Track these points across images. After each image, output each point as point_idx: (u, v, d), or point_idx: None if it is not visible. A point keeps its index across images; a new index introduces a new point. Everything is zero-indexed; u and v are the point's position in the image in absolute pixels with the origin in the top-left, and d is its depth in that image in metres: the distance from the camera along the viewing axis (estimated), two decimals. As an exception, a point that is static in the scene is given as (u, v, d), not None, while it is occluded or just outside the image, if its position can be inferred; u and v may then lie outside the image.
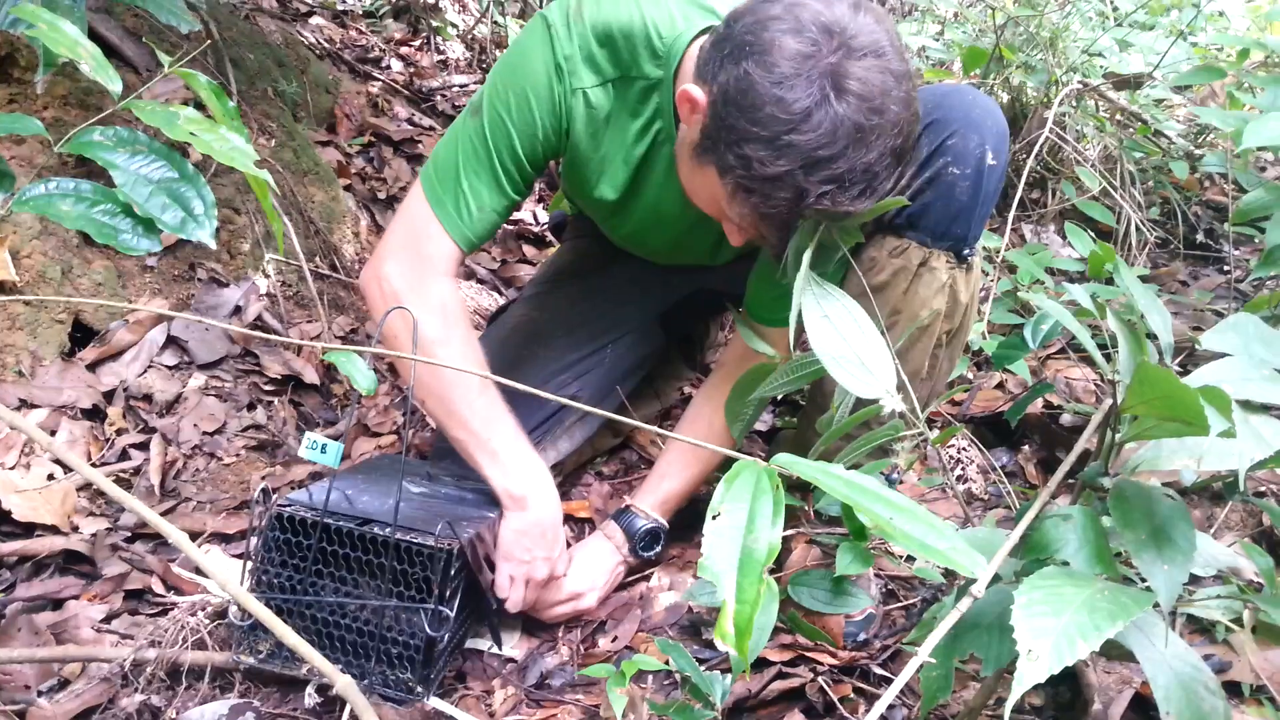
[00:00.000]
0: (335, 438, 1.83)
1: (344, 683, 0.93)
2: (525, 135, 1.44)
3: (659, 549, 1.62)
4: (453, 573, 1.25)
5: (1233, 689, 1.22)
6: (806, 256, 1.20)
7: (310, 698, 1.20)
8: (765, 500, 0.79)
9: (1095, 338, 1.05)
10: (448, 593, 1.25)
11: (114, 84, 1.11)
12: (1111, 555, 0.97)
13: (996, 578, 0.95)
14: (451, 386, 1.42)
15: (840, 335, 1.14)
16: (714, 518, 0.79)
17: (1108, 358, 1.03)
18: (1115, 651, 0.89)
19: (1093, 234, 2.53)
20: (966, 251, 1.47)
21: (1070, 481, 1.07)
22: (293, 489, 1.67)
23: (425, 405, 1.49)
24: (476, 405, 1.43)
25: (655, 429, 1.01)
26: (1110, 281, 2.09)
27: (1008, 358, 1.59)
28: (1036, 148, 2.43)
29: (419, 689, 1.24)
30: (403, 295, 1.44)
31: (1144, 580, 1.03)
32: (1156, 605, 0.86)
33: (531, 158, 1.46)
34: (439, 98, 3.35)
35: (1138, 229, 2.65)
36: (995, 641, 0.99)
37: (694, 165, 1.26)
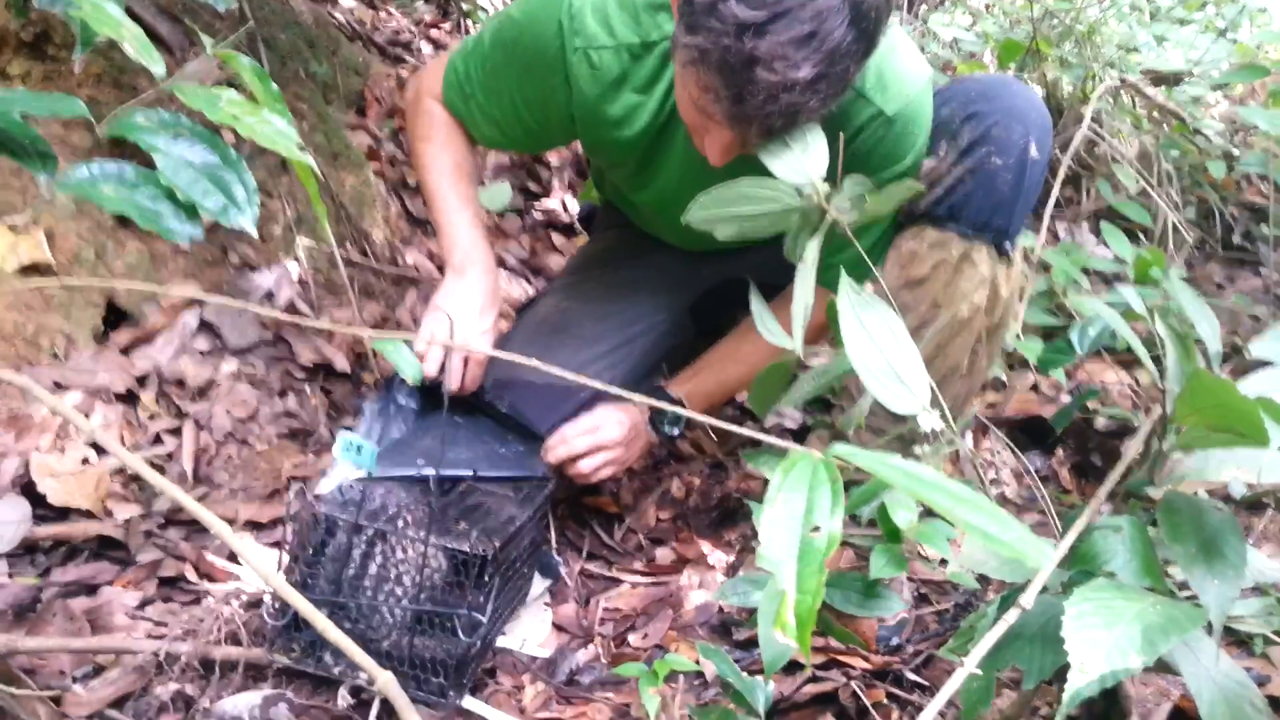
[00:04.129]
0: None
1: (384, 679, 0.92)
2: (516, 72, 1.53)
3: (678, 432, 1.70)
4: (486, 578, 1.24)
5: (1273, 704, 1.20)
6: (814, 249, 1.17)
7: (344, 699, 1.20)
8: (824, 491, 0.77)
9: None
10: (481, 598, 1.24)
11: (157, 65, 1.09)
12: (1159, 568, 0.96)
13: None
14: (427, 171, 1.67)
15: (877, 347, 1.11)
16: (770, 507, 0.77)
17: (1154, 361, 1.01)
18: (1155, 663, 0.88)
19: (1128, 234, 2.50)
20: (1007, 245, 1.45)
21: (1111, 490, 1.05)
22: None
23: (421, 186, 1.74)
24: (443, 190, 1.64)
25: (699, 415, 0.99)
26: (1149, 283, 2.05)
27: (1054, 362, 1.56)
28: (1074, 145, 2.39)
29: (452, 693, 1.23)
30: (409, 107, 1.73)
31: (1185, 589, 1.01)
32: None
33: (524, 94, 1.55)
34: (468, 82, 3.33)
35: (1175, 229, 2.61)
36: (1039, 653, 0.97)
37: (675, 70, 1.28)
